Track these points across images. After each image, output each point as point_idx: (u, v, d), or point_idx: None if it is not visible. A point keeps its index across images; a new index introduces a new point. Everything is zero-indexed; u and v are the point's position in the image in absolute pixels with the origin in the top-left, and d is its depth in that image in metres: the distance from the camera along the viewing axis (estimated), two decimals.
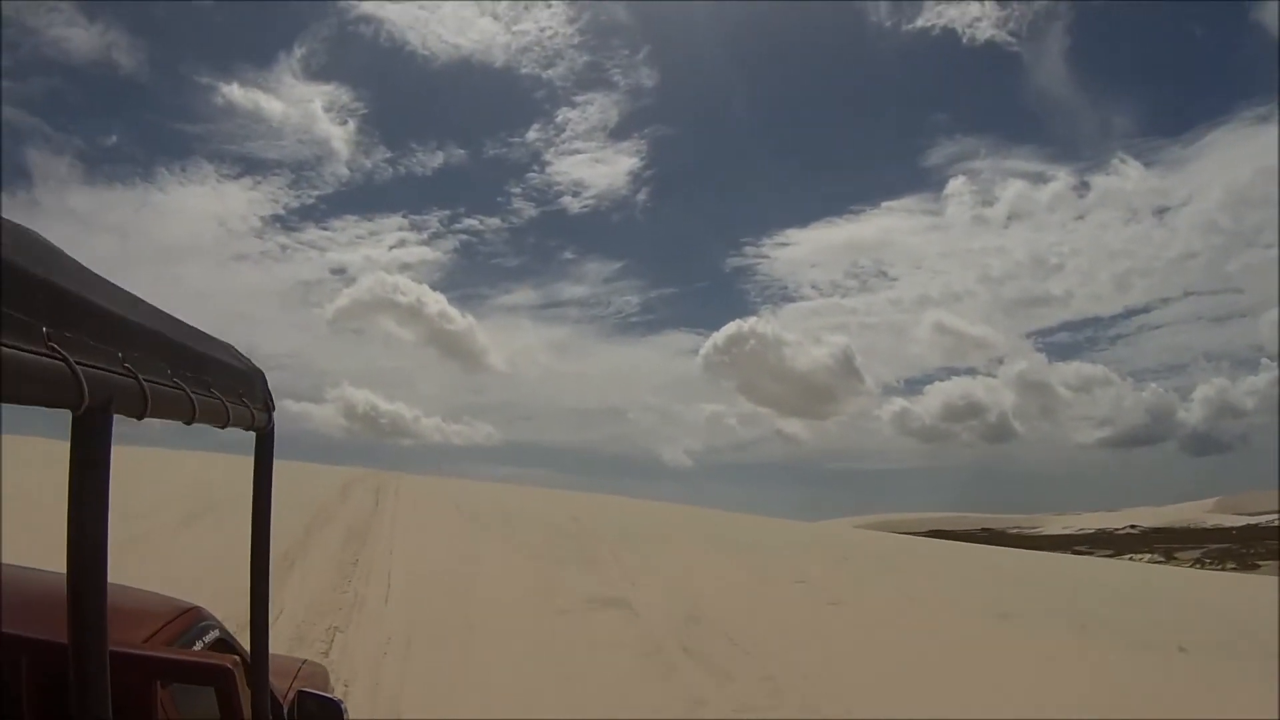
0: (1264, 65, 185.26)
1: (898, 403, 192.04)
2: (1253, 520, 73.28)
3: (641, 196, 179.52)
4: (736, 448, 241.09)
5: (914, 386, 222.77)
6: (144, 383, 0.99)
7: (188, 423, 1.15)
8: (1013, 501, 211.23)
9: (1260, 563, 47.44)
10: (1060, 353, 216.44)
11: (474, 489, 27.17)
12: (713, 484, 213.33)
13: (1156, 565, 50.17)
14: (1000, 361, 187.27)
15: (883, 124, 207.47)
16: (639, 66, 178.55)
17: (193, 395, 1.15)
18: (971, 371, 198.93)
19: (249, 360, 1.69)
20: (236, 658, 1.71)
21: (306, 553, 11.44)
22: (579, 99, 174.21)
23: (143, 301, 1.16)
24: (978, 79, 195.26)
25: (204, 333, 1.44)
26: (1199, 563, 49.50)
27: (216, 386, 1.32)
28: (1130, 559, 56.76)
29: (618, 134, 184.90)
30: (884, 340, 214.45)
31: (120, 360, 0.96)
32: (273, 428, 1.71)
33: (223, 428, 1.35)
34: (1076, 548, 70.48)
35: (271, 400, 1.73)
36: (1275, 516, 73.28)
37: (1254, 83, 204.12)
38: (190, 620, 2.13)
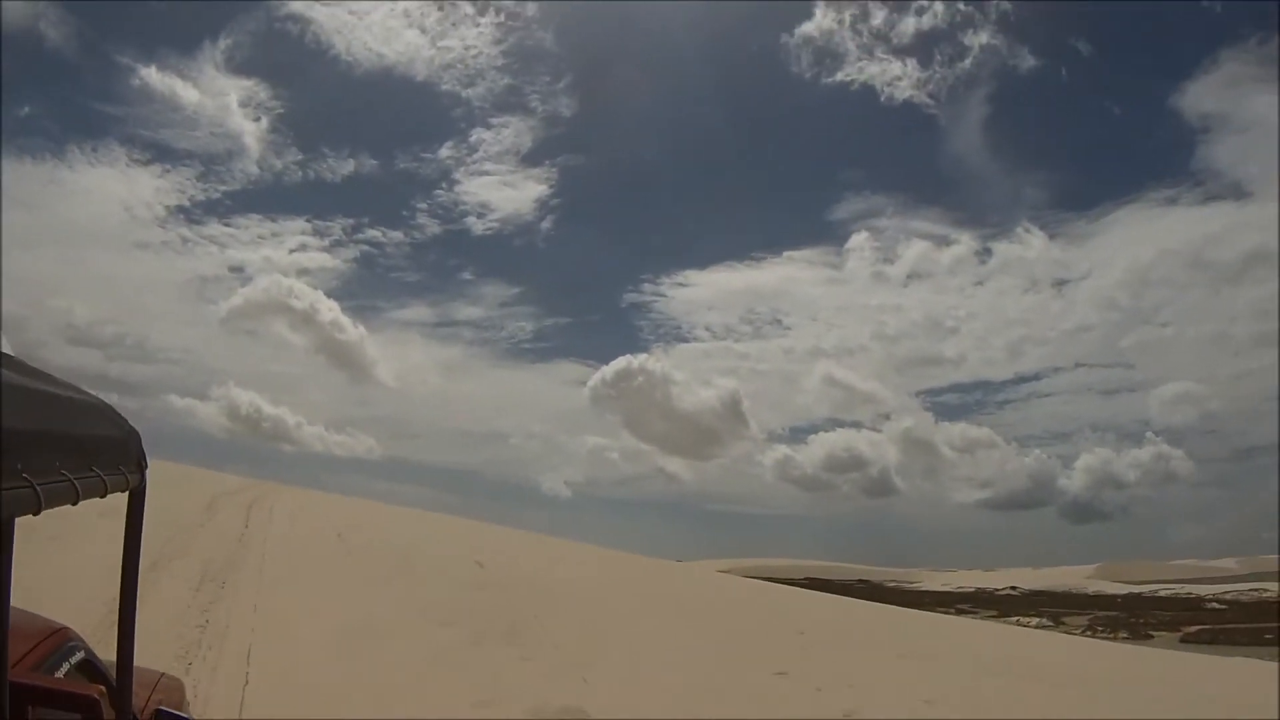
0: (1178, 149, 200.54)
1: (781, 450, 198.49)
2: (1135, 589, 75.99)
3: (546, 224, 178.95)
4: (617, 482, 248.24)
5: (799, 435, 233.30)
6: (38, 488, 1.13)
7: (73, 504, 1.28)
8: (890, 555, 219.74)
9: (1153, 633, 48.16)
10: (947, 413, 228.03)
11: (356, 511, 24.24)
12: (590, 516, 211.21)
13: (1045, 630, 50.62)
14: (887, 417, 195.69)
15: (793, 174, 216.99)
16: (559, 95, 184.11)
17: (77, 482, 1.29)
18: (857, 425, 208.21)
19: (125, 422, 1.78)
20: (102, 687, 1.93)
21: (141, 607, 8.20)
22: (495, 121, 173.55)
23: (38, 390, 1.27)
24: (892, 138, 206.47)
25: (88, 400, 1.58)
26: (1089, 630, 49.89)
27: (98, 464, 1.45)
28: (1018, 621, 57.43)
29: (529, 160, 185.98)
30: (773, 387, 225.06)
31: (19, 472, 1.09)
32: (144, 485, 1.79)
33: (103, 497, 1.48)
34: (959, 605, 71.30)
35: (144, 459, 1.80)
36: (1158, 586, 76.37)
37: (1166, 165, 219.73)
38: (58, 641, 2.27)
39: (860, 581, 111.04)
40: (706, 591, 22.18)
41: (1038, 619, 57.75)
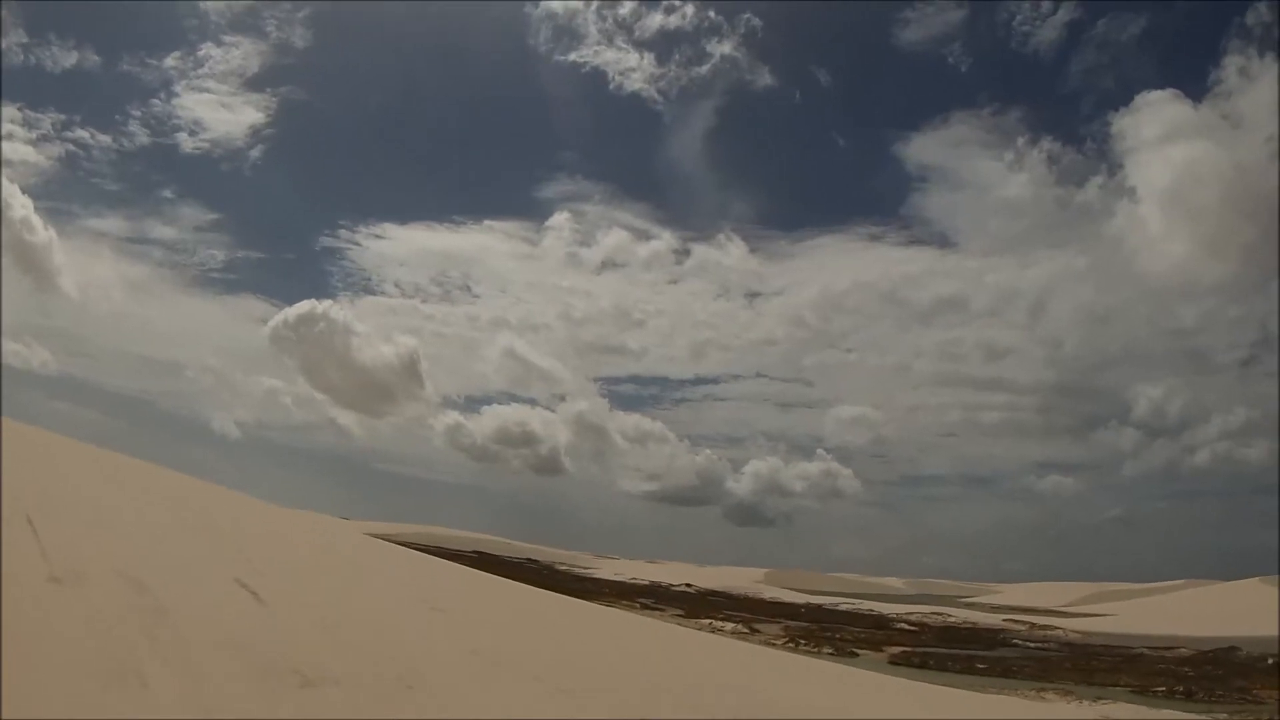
0: (892, 192, 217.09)
1: (454, 416, 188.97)
2: (813, 599, 70.43)
3: (256, 153, 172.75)
4: (289, 428, 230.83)
5: (473, 404, 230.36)
6: None
7: None
8: (555, 535, 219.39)
9: (857, 650, 39.02)
10: (623, 403, 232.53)
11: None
12: (257, 462, 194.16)
13: (745, 640, 40.46)
14: (563, 398, 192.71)
15: (509, 144, 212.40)
16: (296, 25, 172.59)
17: None
18: (533, 402, 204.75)
19: None
20: None
21: None
22: (227, 39, 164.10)
23: None
24: (613, 127, 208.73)
25: None
26: (791, 642, 39.89)
27: None
28: (710, 625, 46.86)
29: (253, 84, 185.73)
30: (454, 353, 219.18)
31: None
32: None
33: None
34: (641, 600, 60.54)
35: None
36: (835, 598, 71.77)
37: (877, 204, 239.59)
38: None
39: (529, 561, 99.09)
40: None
41: (731, 624, 47.50)
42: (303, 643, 6.74)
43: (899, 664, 37.65)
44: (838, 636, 45.48)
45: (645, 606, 54.68)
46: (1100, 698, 31.01)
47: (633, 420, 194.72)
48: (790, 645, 41.30)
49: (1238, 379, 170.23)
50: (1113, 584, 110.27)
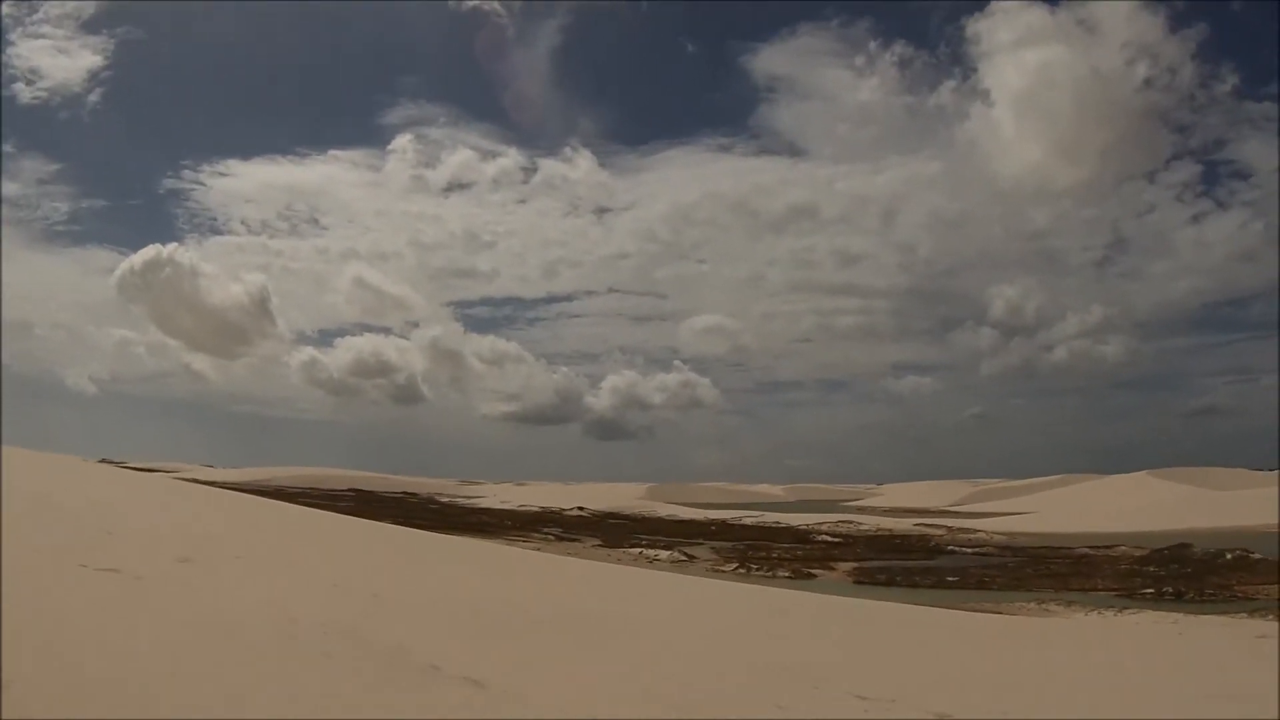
0: (741, 103, 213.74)
1: (308, 351, 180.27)
2: (708, 513, 67.27)
3: (95, 98, 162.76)
4: (143, 379, 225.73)
5: (327, 338, 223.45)
6: None
7: None
8: (420, 464, 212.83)
9: (812, 570, 35.53)
10: (478, 326, 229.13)
11: None
12: (115, 416, 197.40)
13: (692, 569, 35.76)
14: (416, 325, 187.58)
15: (350, 71, 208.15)
16: None
17: None
18: (386, 330, 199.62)
19: None
20: None
21: None
22: None
23: None
24: (455, 45, 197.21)
25: None
26: (743, 567, 35.61)
27: None
28: (642, 554, 41.74)
29: (89, 27, 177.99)
30: (304, 287, 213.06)
31: None
32: None
33: None
34: (548, 530, 54.59)
35: None
36: (735, 511, 68.67)
37: (725, 116, 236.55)
38: None
39: (408, 495, 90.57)
40: None
41: (666, 553, 42.54)
42: None
43: (864, 583, 34.38)
44: (774, 556, 41.80)
45: (559, 538, 48.84)
46: (1101, 606, 28.94)
47: (488, 343, 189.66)
48: (741, 571, 37.00)
49: (1093, 279, 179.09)
50: (988, 481, 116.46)
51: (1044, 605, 29.01)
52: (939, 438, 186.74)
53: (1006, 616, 25.36)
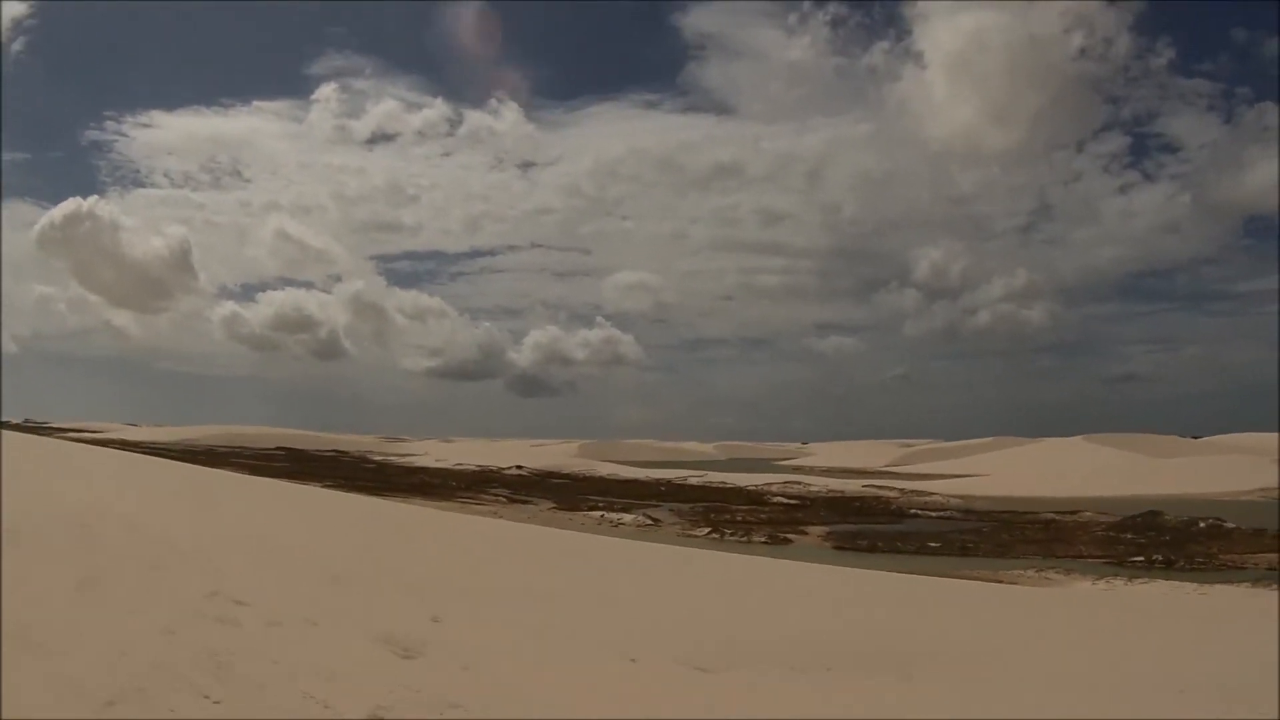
0: (669, 60, 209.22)
1: (230, 307, 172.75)
2: (648, 473, 65.96)
3: (17, 46, 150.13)
4: (65, 336, 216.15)
5: (249, 292, 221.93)
6: None
7: None
8: (343, 420, 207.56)
9: (786, 535, 34.19)
10: (400, 280, 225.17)
11: None
12: (38, 375, 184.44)
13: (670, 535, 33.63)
14: (339, 279, 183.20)
15: (276, 21, 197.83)
16: None
17: None
18: (309, 285, 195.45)
19: None
20: None
21: None
22: None
23: None
24: None
25: None
26: (716, 532, 33.77)
27: None
28: (604, 517, 39.18)
29: None
30: (226, 241, 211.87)
31: None
32: None
33: None
34: (495, 491, 51.49)
35: None
36: (673, 470, 66.96)
37: (653, 72, 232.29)
38: None
39: (339, 453, 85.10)
40: None
41: (629, 515, 40.06)
42: None
43: (845, 549, 32.84)
44: (740, 520, 39.95)
45: (509, 499, 45.69)
46: (1100, 574, 28.20)
47: (410, 297, 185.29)
48: (715, 536, 34.91)
49: (1018, 244, 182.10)
50: (919, 442, 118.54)
51: (1042, 574, 28.05)
52: (863, 397, 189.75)
53: (1026, 587, 24.19)
